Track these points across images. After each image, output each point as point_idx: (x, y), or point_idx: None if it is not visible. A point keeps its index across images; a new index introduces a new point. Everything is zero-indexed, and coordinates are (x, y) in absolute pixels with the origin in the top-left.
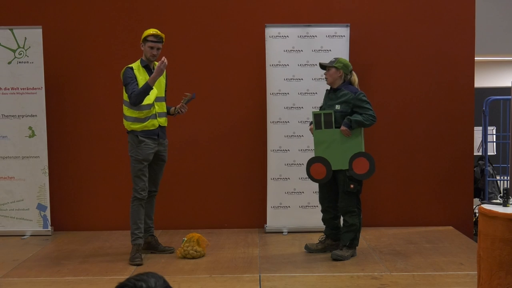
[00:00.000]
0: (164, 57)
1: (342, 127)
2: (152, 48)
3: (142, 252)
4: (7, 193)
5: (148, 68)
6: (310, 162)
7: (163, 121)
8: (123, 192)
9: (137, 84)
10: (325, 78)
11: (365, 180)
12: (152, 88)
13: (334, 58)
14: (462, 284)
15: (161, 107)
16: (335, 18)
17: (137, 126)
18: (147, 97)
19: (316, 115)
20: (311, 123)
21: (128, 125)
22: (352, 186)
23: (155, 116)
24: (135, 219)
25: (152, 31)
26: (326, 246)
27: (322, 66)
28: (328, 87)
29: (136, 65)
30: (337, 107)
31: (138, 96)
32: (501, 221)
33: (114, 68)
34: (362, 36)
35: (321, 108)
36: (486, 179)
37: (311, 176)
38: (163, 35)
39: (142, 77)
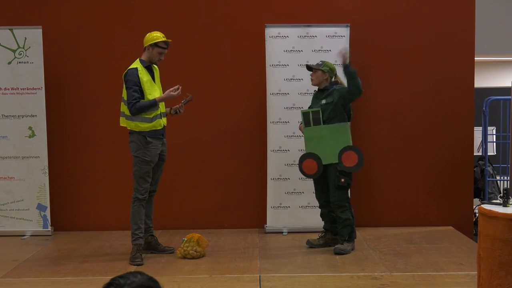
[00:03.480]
0: (179, 86)
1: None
2: (161, 53)
3: (142, 252)
4: (7, 193)
5: (149, 68)
6: (302, 159)
7: (165, 120)
8: (123, 192)
9: (140, 91)
10: (311, 79)
11: (365, 180)
12: (155, 107)
13: (321, 61)
14: (462, 284)
15: (163, 107)
16: (335, 18)
17: (145, 126)
18: (153, 96)
19: (305, 114)
20: (301, 123)
21: (136, 125)
22: (343, 180)
23: (160, 116)
24: (136, 219)
25: (162, 36)
26: (327, 240)
27: (309, 68)
28: (316, 88)
29: (139, 66)
30: (323, 101)
31: (141, 109)
32: (501, 221)
33: (114, 68)
34: (362, 36)
35: (309, 108)
36: (486, 179)
37: (303, 172)
38: (170, 41)
39: (146, 78)
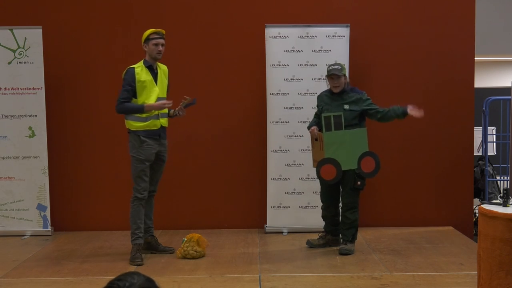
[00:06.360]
0: (171, 102)
1: (410, 108)
2: (156, 45)
3: (142, 252)
4: (7, 193)
5: (151, 68)
6: (321, 164)
7: (164, 121)
8: (123, 192)
9: (131, 92)
10: (335, 86)
11: (366, 180)
12: (143, 113)
13: (338, 66)
14: (462, 284)
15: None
16: (335, 18)
17: (139, 125)
18: (149, 97)
19: (326, 117)
20: (309, 125)
21: (130, 124)
22: (359, 183)
23: (157, 117)
24: (135, 218)
25: (152, 29)
26: (327, 241)
27: (334, 75)
28: (324, 89)
29: (139, 66)
30: (346, 106)
31: (125, 110)
32: (501, 221)
33: (114, 68)
34: (362, 36)
35: (321, 109)
36: (486, 179)
37: (321, 178)
38: (163, 31)
39: (145, 78)
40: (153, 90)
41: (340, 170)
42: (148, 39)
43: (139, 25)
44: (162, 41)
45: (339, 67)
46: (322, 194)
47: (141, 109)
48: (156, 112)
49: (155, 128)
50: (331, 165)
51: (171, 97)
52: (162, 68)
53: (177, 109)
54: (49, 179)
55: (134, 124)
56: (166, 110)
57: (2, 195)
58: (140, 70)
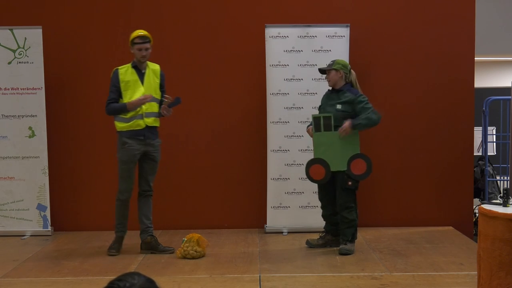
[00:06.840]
0: (150, 96)
1: (344, 126)
2: (140, 49)
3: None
4: (7, 193)
5: (137, 68)
6: (310, 164)
7: (151, 121)
8: None
9: (116, 93)
10: (327, 81)
11: (365, 180)
12: (128, 112)
13: (331, 61)
14: (462, 284)
15: (150, 107)
16: (335, 18)
17: (122, 126)
18: (133, 97)
19: (315, 118)
20: (309, 125)
21: (116, 125)
22: (350, 183)
23: (141, 116)
24: (118, 216)
25: (137, 33)
26: (327, 241)
27: (322, 71)
28: (330, 88)
29: (125, 66)
30: (338, 106)
31: (112, 111)
32: (501, 221)
33: (114, 68)
34: (362, 36)
35: (319, 108)
36: (486, 179)
37: (310, 177)
38: (149, 35)
39: (130, 78)
40: (137, 90)
41: (329, 170)
42: (133, 43)
43: (139, 25)
44: (145, 45)
45: (331, 62)
46: (318, 193)
47: (124, 108)
48: (141, 112)
49: (139, 128)
50: (319, 165)
51: (170, 95)
52: (152, 68)
53: (161, 109)
54: (49, 179)
55: (119, 125)
56: (154, 109)
57: (2, 195)
58: (124, 71)
